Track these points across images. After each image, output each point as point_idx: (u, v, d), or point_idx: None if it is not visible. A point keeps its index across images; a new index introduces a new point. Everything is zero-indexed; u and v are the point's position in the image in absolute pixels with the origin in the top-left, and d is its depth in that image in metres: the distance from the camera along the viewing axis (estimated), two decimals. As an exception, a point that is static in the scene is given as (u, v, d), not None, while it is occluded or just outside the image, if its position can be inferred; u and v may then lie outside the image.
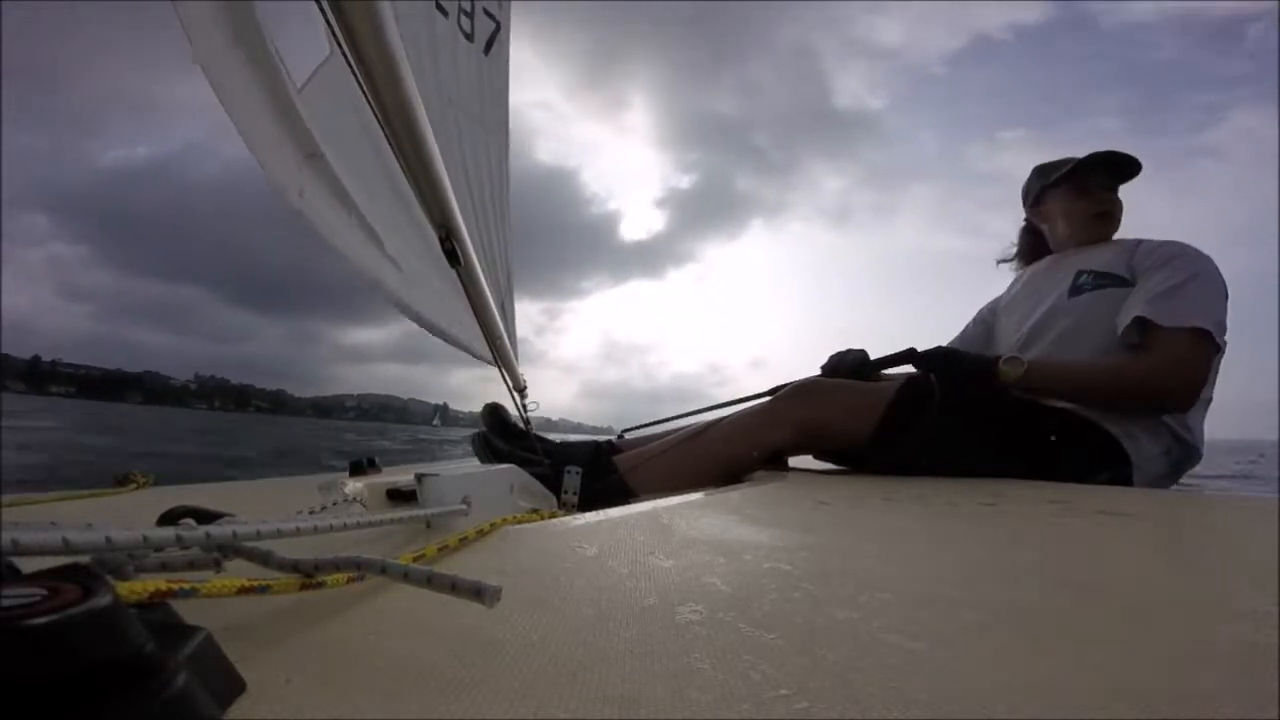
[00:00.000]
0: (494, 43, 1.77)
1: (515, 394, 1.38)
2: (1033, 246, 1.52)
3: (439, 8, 1.55)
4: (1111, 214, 1.35)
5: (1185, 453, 1.15)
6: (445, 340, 1.44)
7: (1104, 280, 1.24)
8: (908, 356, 1.21)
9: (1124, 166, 1.34)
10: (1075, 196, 1.38)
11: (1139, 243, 1.27)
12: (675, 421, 1.42)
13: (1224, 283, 1.17)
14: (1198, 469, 1.22)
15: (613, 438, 1.38)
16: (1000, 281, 1.60)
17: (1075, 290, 1.27)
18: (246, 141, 0.91)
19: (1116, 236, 1.36)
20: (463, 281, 1.10)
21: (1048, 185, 1.42)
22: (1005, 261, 1.60)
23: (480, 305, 1.20)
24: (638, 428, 1.51)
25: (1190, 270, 1.16)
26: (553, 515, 0.65)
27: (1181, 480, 1.23)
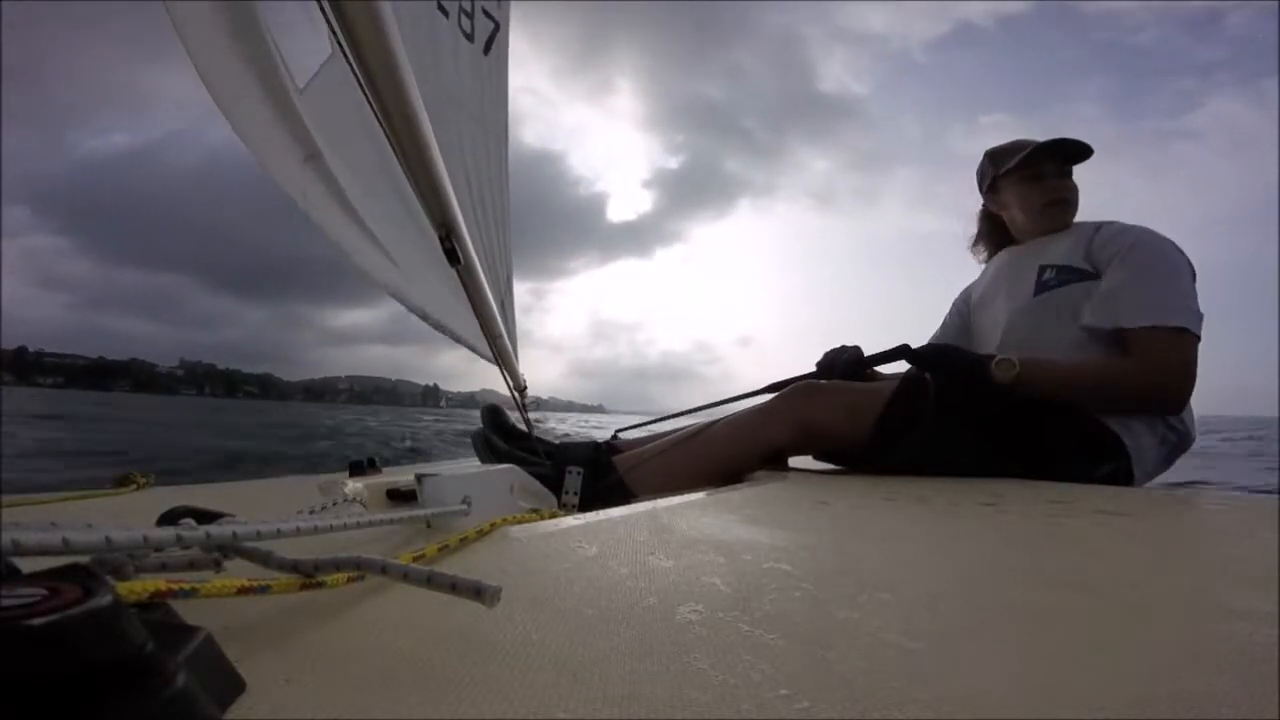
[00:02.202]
0: (493, 43, 1.77)
1: (515, 393, 1.38)
2: (992, 231, 1.51)
3: (440, 8, 1.55)
4: (1067, 200, 1.34)
5: (1179, 440, 1.16)
6: (450, 337, 1.44)
7: (1067, 275, 1.23)
8: (902, 353, 1.21)
9: (1075, 151, 1.33)
10: (1029, 184, 1.36)
11: (1097, 228, 1.25)
12: (672, 421, 1.42)
13: (1189, 263, 1.16)
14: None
15: (609, 439, 1.38)
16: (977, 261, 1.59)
17: (1040, 288, 1.26)
18: (247, 143, 0.91)
19: (1077, 219, 1.35)
20: (462, 280, 1.10)
21: (1000, 173, 1.40)
22: (974, 246, 1.58)
23: (480, 304, 1.20)
24: (633, 426, 1.51)
25: (1153, 259, 1.15)
26: (553, 515, 0.65)
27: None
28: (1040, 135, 1.40)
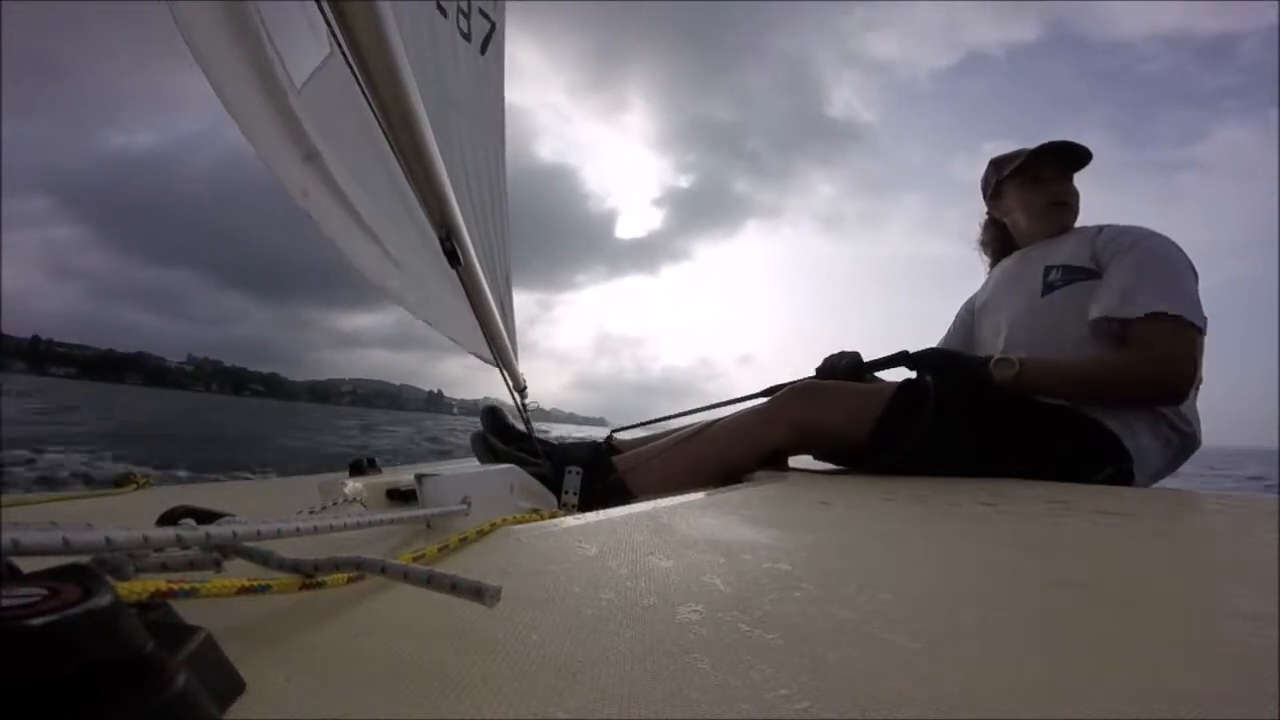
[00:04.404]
0: (489, 43, 1.77)
1: (515, 394, 1.38)
2: (997, 239, 1.53)
3: (439, 8, 1.55)
4: (1066, 203, 1.35)
5: (1184, 442, 1.15)
6: (450, 339, 1.44)
7: (1073, 274, 1.24)
8: (901, 359, 1.21)
9: (1076, 156, 1.35)
10: (1030, 187, 1.38)
11: (1100, 229, 1.27)
12: (671, 421, 1.42)
13: (1190, 262, 1.17)
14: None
15: (608, 439, 1.38)
16: (981, 281, 1.60)
17: (1047, 288, 1.27)
18: (252, 142, 0.91)
19: (1078, 224, 1.36)
20: (463, 282, 1.10)
21: (1003, 177, 1.42)
22: (980, 245, 1.59)
23: (480, 305, 1.20)
24: (631, 427, 1.51)
25: (1155, 255, 1.16)
26: (553, 515, 0.65)
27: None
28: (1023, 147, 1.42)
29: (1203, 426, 1.16)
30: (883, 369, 1.29)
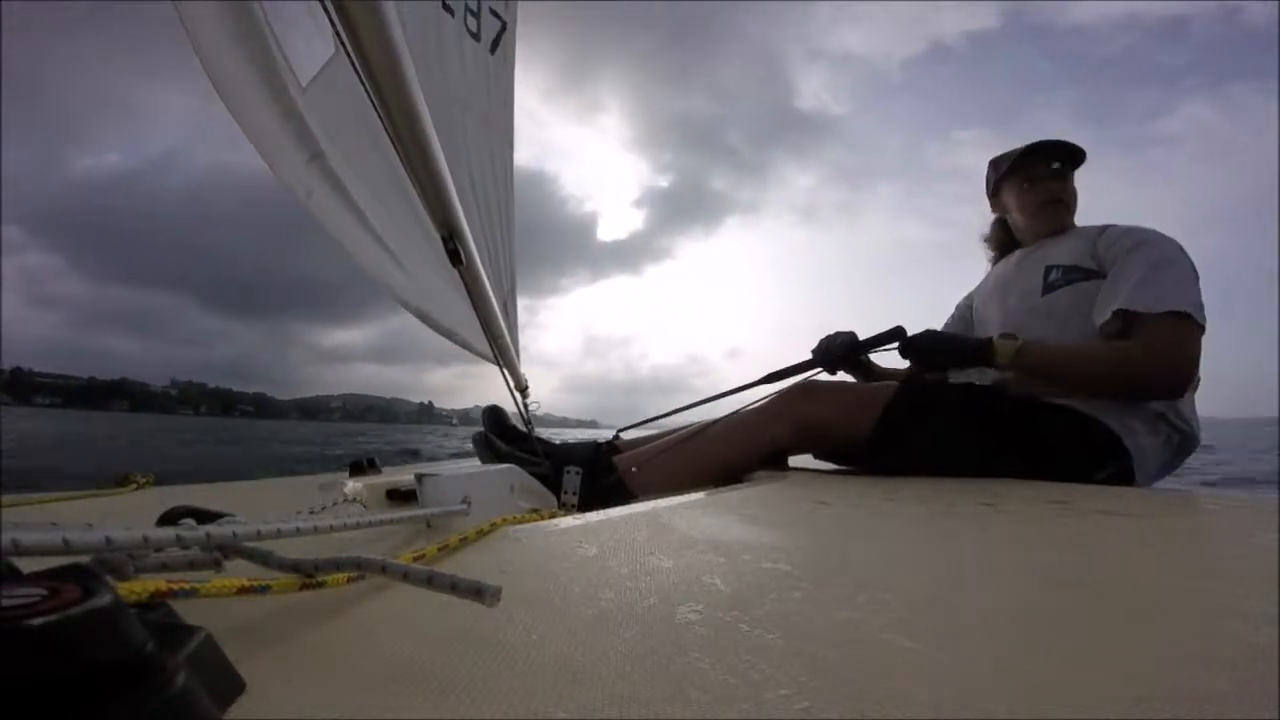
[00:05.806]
0: (500, 43, 1.77)
1: (516, 394, 1.38)
2: (1001, 235, 1.53)
3: (445, 7, 1.54)
4: (1062, 201, 1.35)
5: (1184, 441, 1.16)
6: (450, 339, 1.44)
7: (1073, 274, 1.24)
8: (896, 335, 1.21)
9: (1067, 153, 1.35)
10: (1024, 186, 1.38)
11: (1103, 230, 1.26)
12: (672, 419, 1.42)
13: (1193, 264, 1.17)
14: None
15: (610, 439, 1.38)
16: (970, 268, 1.61)
17: (1048, 288, 1.27)
18: (254, 142, 0.91)
19: (1081, 223, 1.36)
20: (464, 281, 1.10)
21: (1000, 177, 1.43)
22: (987, 241, 1.59)
23: (482, 305, 1.20)
24: (634, 425, 1.51)
25: (1159, 255, 1.16)
26: (553, 515, 0.65)
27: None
28: (1012, 145, 1.42)
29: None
30: (878, 346, 1.28)
